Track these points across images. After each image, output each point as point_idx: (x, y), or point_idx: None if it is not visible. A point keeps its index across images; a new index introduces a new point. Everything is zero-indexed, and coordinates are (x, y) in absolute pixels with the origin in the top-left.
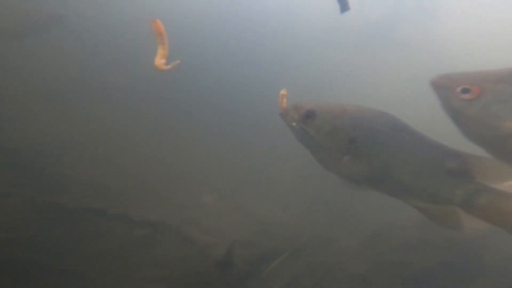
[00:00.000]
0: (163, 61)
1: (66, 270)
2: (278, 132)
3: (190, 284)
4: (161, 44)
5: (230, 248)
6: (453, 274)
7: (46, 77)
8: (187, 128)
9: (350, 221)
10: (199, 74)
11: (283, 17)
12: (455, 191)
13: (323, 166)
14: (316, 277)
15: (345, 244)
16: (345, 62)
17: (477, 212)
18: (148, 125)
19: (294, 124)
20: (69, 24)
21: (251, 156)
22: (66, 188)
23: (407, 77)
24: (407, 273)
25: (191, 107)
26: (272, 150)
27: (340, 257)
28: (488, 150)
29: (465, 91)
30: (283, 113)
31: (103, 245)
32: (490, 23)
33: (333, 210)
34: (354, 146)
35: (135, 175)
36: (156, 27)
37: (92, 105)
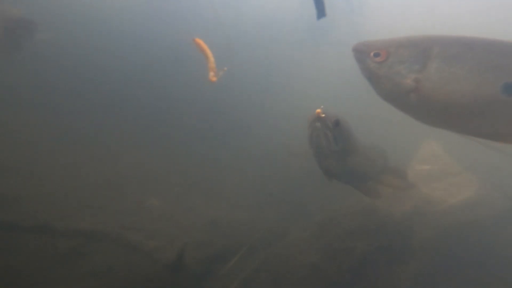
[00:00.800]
0: (212, 73)
1: None
2: (221, 132)
3: None
4: (208, 59)
5: (181, 250)
6: (389, 256)
7: None
8: (124, 132)
9: (300, 214)
10: (134, 74)
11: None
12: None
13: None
14: (272, 271)
15: (297, 236)
16: (287, 58)
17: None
18: (78, 129)
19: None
20: None
21: (196, 157)
22: None
23: (341, 72)
24: (352, 258)
25: (128, 108)
26: (216, 150)
27: (293, 249)
28: (396, 107)
29: (376, 55)
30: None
31: (17, 260)
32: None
33: (283, 204)
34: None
35: (56, 184)
36: (198, 45)
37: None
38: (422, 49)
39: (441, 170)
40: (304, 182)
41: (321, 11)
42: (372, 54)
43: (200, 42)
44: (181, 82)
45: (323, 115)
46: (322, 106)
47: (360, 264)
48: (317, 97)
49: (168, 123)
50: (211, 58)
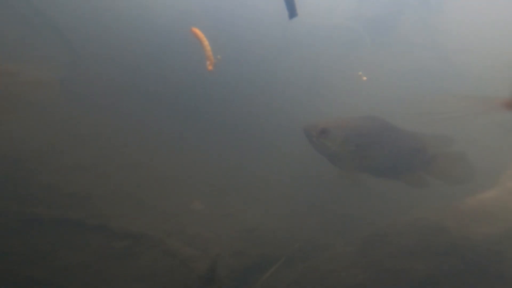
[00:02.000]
0: (208, 62)
1: (40, 281)
2: (268, 136)
3: None
4: (204, 49)
5: (213, 263)
6: (464, 283)
7: None
8: (172, 132)
9: (344, 226)
10: (185, 76)
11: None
12: (418, 163)
13: (339, 167)
14: (311, 287)
15: (340, 251)
16: (344, 60)
17: (432, 174)
18: (130, 129)
19: (314, 139)
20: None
21: (239, 160)
22: (42, 198)
23: (409, 74)
24: (410, 282)
25: (176, 109)
26: (261, 154)
27: (336, 265)
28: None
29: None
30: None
31: (79, 257)
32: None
33: (326, 214)
34: (359, 148)
35: (117, 183)
36: (195, 34)
37: (69, 111)
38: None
39: None
40: (351, 192)
41: (292, 11)
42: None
43: (197, 31)
44: (241, 81)
45: (306, 128)
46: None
47: None
48: (373, 98)
49: (217, 124)
50: (208, 47)
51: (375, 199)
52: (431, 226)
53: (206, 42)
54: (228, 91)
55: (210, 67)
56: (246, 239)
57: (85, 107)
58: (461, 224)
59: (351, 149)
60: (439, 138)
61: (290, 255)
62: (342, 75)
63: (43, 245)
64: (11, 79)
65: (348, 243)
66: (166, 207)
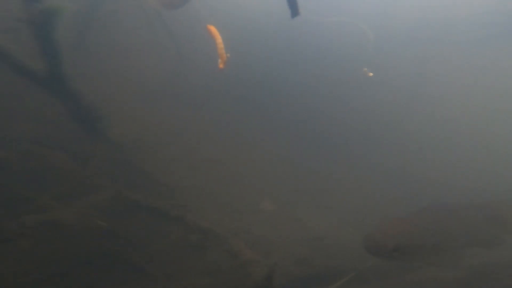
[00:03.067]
0: (220, 60)
1: (135, 265)
2: (348, 142)
3: None
4: (217, 46)
5: (271, 270)
6: None
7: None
8: (253, 130)
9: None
10: (266, 77)
11: None
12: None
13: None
14: None
15: (430, 276)
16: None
17: None
18: (217, 127)
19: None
20: None
21: (316, 164)
22: (141, 185)
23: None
24: None
25: (258, 109)
26: (340, 160)
27: None
28: None
29: None
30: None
31: (162, 245)
32: None
33: None
34: None
35: (199, 177)
36: (210, 32)
37: (170, 105)
38: None
39: None
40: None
41: (295, 11)
42: None
43: (213, 28)
44: (324, 84)
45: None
46: None
47: None
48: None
49: (303, 127)
50: (221, 45)
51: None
52: None
53: (219, 40)
54: (317, 95)
55: (221, 65)
56: (313, 247)
57: (186, 103)
58: None
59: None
60: None
61: (363, 271)
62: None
63: (139, 231)
64: None
65: (441, 268)
66: (237, 205)
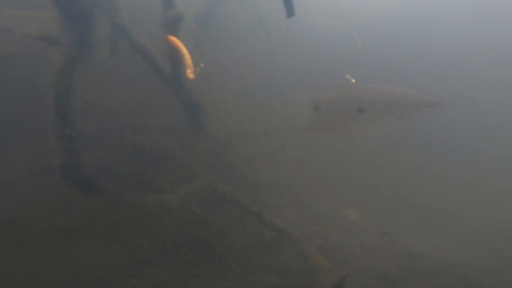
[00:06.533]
0: (189, 70)
1: (218, 256)
2: (452, 159)
3: None
4: (183, 56)
5: (340, 281)
6: None
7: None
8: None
9: None
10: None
11: None
12: None
13: None
14: None
15: None
16: None
17: None
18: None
19: None
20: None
21: (413, 178)
22: (230, 178)
23: None
24: None
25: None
26: (443, 177)
27: None
28: None
29: None
30: None
31: (239, 239)
32: None
33: None
34: None
35: (283, 174)
36: (172, 42)
37: (265, 102)
38: None
39: None
40: None
41: (290, 11)
42: None
43: (174, 39)
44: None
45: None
46: None
47: None
48: None
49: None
50: (187, 55)
51: None
52: None
53: (184, 50)
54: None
55: (191, 75)
56: (402, 264)
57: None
58: None
59: None
60: None
61: None
62: None
63: (222, 221)
64: None
65: None
66: (318, 209)
